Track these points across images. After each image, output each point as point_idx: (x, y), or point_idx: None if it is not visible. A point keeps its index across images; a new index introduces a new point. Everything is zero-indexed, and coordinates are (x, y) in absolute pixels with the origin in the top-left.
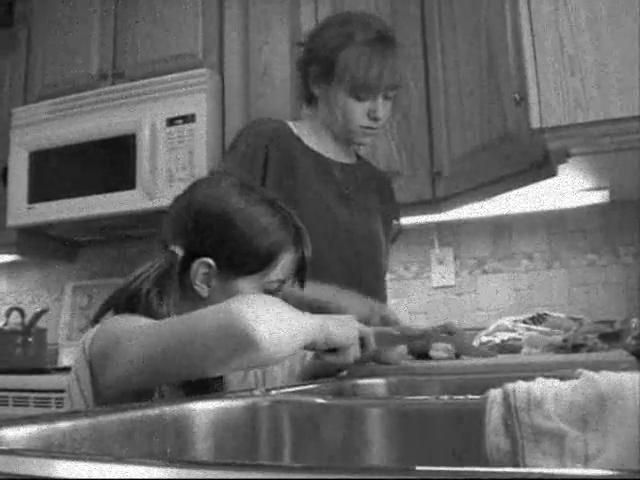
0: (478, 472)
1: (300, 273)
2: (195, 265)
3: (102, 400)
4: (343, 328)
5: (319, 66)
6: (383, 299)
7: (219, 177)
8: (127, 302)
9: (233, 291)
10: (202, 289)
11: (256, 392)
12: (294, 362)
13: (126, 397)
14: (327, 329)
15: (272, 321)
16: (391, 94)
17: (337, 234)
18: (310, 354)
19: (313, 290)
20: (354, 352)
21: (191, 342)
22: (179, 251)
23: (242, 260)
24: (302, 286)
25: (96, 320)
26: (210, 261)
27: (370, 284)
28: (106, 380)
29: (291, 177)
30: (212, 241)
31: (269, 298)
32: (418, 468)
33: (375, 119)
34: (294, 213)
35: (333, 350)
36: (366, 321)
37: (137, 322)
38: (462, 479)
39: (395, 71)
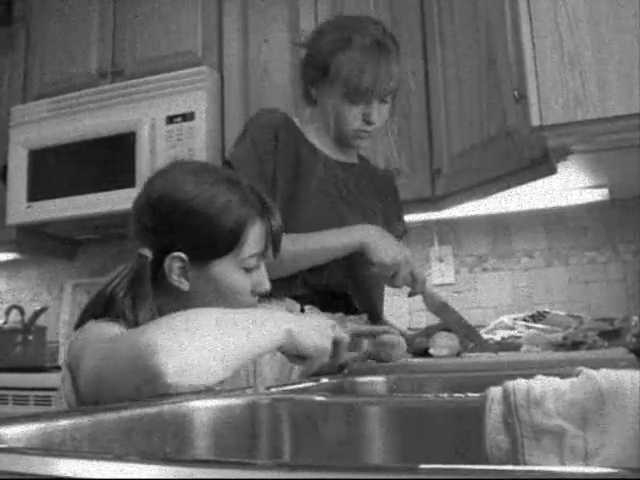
0: (480, 470)
1: (273, 243)
2: (167, 262)
3: (81, 404)
4: (314, 338)
5: (315, 69)
6: (381, 299)
7: (172, 167)
8: (105, 307)
9: (213, 278)
10: (181, 283)
11: (256, 390)
12: (284, 361)
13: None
14: (296, 337)
15: (185, 350)
16: (388, 98)
17: None
18: None
19: (343, 233)
20: (322, 361)
21: (109, 368)
22: (148, 252)
23: (210, 244)
24: (275, 255)
25: (77, 327)
26: (180, 254)
27: (367, 284)
28: (77, 386)
29: (297, 171)
30: (176, 233)
31: (200, 317)
32: (422, 466)
33: (369, 123)
34: (256, 186)
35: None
36: (396, 270)
37: (100, 332)
38: (464, 478)
39: (391, 76)
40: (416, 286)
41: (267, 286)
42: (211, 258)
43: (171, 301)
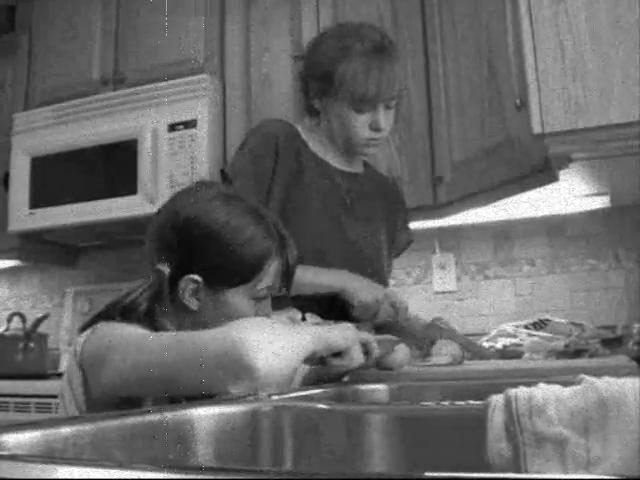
0: (482, 478)
1: (285, 278)
2: (182, 283)
3: (93, 404)
4: (339, 332)
5: (318, 80)
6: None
7: (201, 188)
8: (121, 315)
9: (224, 303)
10: (191, 303)
11: (258, 397)
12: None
13: (116, 403)
14: (324, 337)
15: (270, 348)
16: (392, 104)
17: (342, 243)
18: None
19: (327, 275)
20: (358, 355)
21: (189, 364)
22: (166, 269)
23: (230, 273)
24: (288, 290)
25: (83, 329)
26: (197, 277)
27: None
28: (96, 385)
29: (298, 181)
30: (199, 257)
31: (265, 322)
32: (427, 474)
33: (377, 130)
34: (277, 219)
35: (337, 355)
36: (377, 306)
37: (131, 331)
38: None
39: (394, 81)
40: (398, 317)
41: (269, 312)
42: (226, 286)
43: (178, 316)
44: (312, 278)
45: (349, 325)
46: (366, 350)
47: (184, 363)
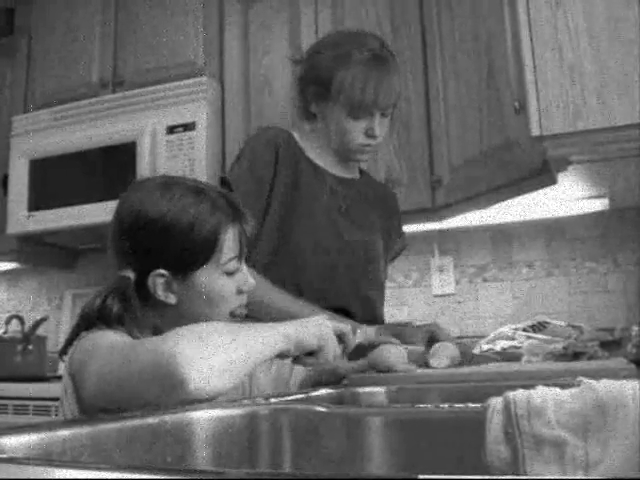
0: None
1: (247, 245)
2: (150, 281)
3: (85, 412)
4: (312, 330)
5: (316, 86)
6: (381, 311)
7: (136, 187)
8: (97, 322)
9: (198, 287)
10: (168, 297)
11: (256, 400)
12: (281, 369)
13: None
14: (295, 336)
15: (205, 358)
16: (388, 112)
17: (340, 246)
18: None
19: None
20: (332, 349)
21: (128, 376)
22: (130, 274)
23: (189, 256)
24: (249, 255)
25: (62, 352)
26: (162, 271)
27: (369, 296)
28: (82, 394)
29: (296, 186)
30: (154, 253)
31: (210, 328)
32: (420, 477)
33: (372, 137)
34: (227, 192)
35: (311, 353)
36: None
37: (106, 340)
38: None
39: (392, 89)
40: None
41: (251, 282)
42: (192, 269)
43: (163, 314)
44: (282, 306)
45: (324, 318)
46: (342, 340)
47: (127, 376)
